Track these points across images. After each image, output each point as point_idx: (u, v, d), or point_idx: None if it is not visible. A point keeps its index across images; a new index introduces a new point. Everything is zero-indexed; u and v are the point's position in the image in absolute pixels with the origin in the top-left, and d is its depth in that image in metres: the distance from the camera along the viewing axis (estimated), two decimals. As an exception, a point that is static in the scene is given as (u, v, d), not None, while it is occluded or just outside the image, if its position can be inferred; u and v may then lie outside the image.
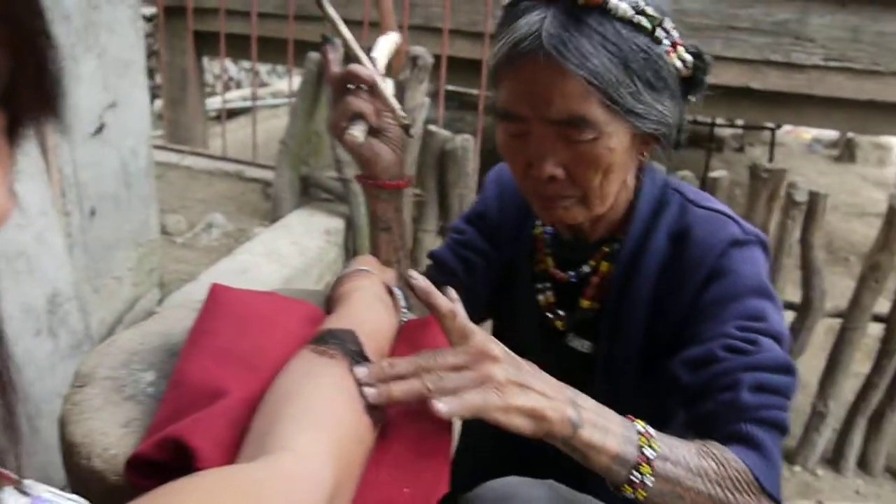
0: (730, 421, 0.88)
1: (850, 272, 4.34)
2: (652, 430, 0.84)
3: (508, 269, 1.21)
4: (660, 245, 1.03)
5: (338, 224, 2.92)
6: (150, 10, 6.20)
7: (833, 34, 3.43)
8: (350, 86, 0.98)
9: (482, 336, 0.79)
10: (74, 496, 0.51)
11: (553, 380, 0.82)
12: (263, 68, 8.31)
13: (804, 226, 2.51)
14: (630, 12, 0.86)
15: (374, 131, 1.00)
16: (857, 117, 3.67)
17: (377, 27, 3.15)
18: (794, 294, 2.67)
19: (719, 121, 5.83)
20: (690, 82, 0.96)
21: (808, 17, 3.43)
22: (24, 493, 0.71)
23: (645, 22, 0.87)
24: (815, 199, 2.46)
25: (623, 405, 1.09)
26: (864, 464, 2.76)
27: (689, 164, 5.78)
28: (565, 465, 1.15)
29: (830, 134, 7.28)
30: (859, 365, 2.80)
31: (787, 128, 7.02)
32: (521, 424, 0.77)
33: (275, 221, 2.95)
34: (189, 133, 4.31)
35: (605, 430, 0.81)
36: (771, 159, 5.84)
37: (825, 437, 2.74)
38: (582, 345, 1.13)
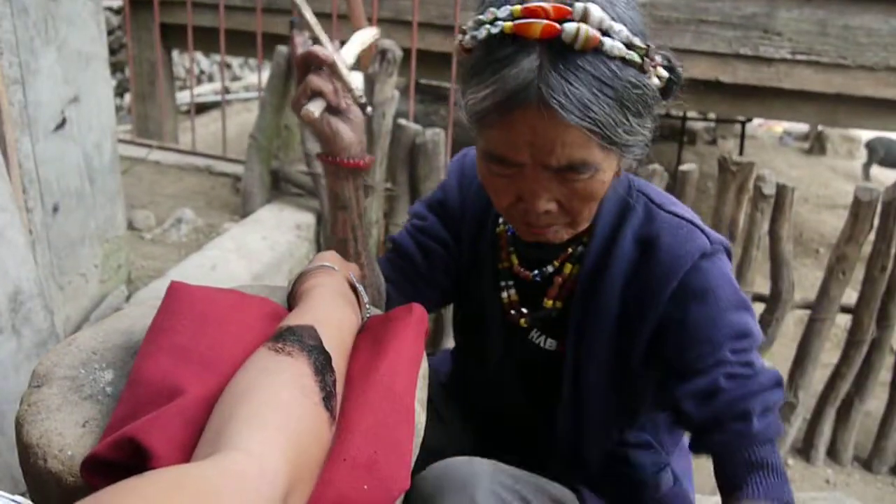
0: (743, 448, 0.96)
1: (820, 264, 4.40)
2: None
3: (470, 263, 1.21)
4: (626, 249, 1.03)
5: (308, 219, 2.90)
6: (116, 3, 6.13)
7: (800, 28, 3.46)
8: (312, 66, 1.00)
9: None
10: (19, 498, 0.50)
11: None
12: (235, 61, 8.23)
13: (772, 218, 2.53)
14: (623, 49, 0.83)
15: (335, 111, 1.03)
16: (825, 110, 3.70)
17: (347, 20, 3.13)
18: (763, 286, 2.69)
19: (691, 114, 5.87)
20: (663, 92, 0.94)
21: (776, 11, 3.46)
22: None
23: (635, 56, 0.84)
24: (783, 191, 2.48)
25: (591, 401, 1.10)
26: (833, 453, 2.80)
27: (661, 157, 5.82)
28: (532, 450, 1.18)
29: (801, 127, 7.37)
30: (828, 355, 2.83)
31: (758, 121, 7.10)
32: None
33: (245, 216, 2.92)
34: (158, 127, 4.25)
35: None
36: (741, 152, 5.90)
37: (795, 427, 2.77)
38: (547, 342, 1.13)
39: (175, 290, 0.92)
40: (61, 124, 1.85)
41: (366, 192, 2.71)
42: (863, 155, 7.16)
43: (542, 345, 1.14)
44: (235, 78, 8.19)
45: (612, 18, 0.83)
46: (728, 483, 0.97)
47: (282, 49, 2.98)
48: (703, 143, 6.90)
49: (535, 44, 0.82)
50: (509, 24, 0.83)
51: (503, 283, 1.15)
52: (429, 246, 1.21)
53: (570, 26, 0.81)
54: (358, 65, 1.11)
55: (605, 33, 0.82)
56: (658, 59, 0.88)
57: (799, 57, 3.49)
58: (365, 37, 1.16)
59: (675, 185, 2.52)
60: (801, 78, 3.53)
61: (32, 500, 0.90)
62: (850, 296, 2.63)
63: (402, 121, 2.75)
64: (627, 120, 0.86)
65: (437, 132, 2.67)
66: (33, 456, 0.83)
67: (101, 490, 0.54)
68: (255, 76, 8.27)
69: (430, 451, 0.96)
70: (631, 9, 0.88)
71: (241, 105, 7.18)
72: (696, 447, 1.02)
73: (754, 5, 3.47)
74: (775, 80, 3.55)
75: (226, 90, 4.09)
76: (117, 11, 6.16)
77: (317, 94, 1.00)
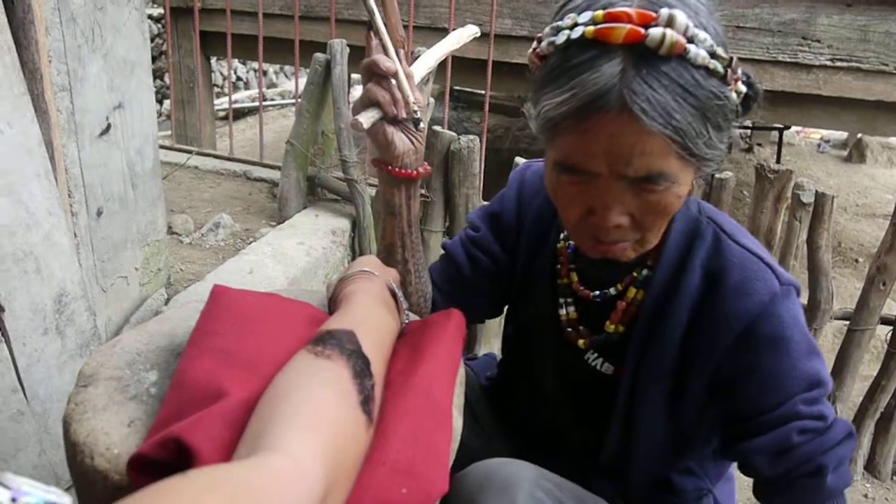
0: (813, 502, 0.98)
1: (859, 274, 4.33)
2: None
3: (525, 277, 1.20)
4: (694, 280, 1.01)
5: (344, 224, 2.92)
6: (157, 11, 6.25)
7: (840, 34, 3.41)
8: (374, 75, 1.01)
9: None
10: (54, 489, 0.52)
11: None
12: (271, 68, 8.33)
13: (811, 227, 2.50)
14: (707, 58, 0.81)
15: (393, 120, 1.03)
16: (865, 118, 3.65)
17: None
18: (801, 296, 2.65)
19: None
20: (741, 106, 0.92)
21: (815, 17, 3.42)
22: (3, 485, 0.72)
23: (719, 66, 0.82)
24: (821, 200, 2.45)
25: (643, 429, 1.09)
26: (871, 467, 2.75)
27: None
28: (574, 462, 1.17)
29: (839, 134, 7.25)
30: (867, 367, 2.78)
31: (795, 128, 7.00)
32: None
33: (281, 222, 2.96)
34: (196, 133, 4.32)
35: None
36: (779, 160, 5.82)
37: (832, 439, 2.73)
38: (604, 366, 1.12)
39: (218, 293, 0.94)
40: (106, 130, 1.89)
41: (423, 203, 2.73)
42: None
43: (598, 367, 1.12)
44: (271, 85, 8.29)
45: (697, 26, 0.81)
46: None
47: (319, 56, 3.02)
48: (738, 151, 6.83)
49: (617, 49, 0.80)
50: (591, 28, 0.81)
51: (562, 300, 1.14)
52: (478, 257, 1.21)
53: (655, 31, 0.79)
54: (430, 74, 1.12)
55: (690, 41, 0.80)
56: (739, 72, 0.87)
57: (839, 63, 3.44)
58: (451, 45, 1.17)
59: (712, 192, 2.50)
60: (840, 85, 3.48)
61: (78, 497, 0.92)
62: (891, 307, 2.58)
63: (437, 128, 2.77)
64: (708, 132, 0.83)
65: (473, 139, 2.68)
66: (80, 454, 0.86)
67: (143, 488, 0.56)
68: (289, 83, 8.37)
69: (466, 453, 0.95)
70: (713, 19, 0.86)
71: (277, 111, 7.27)
72: (763, 497, 1.03)
73: (793, 11, 3.44)
74: (814, 87, 3.51)
75: (262, 97, 4.14)
76: (157, 19, 6.28)
77: (374, 103, 1.01)
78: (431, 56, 1.16)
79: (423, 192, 2.81)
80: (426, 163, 1.11)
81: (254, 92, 7.63)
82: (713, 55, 0.82)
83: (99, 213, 1.92)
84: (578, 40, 0.82)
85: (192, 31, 4.19)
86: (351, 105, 1.06)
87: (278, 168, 3.32)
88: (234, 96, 6.93)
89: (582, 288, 1.11)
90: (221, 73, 7.67)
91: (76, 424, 0.89)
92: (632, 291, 1.06)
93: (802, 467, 0.97)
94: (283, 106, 7.41)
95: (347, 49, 3.01)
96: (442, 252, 1.27)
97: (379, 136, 1.04)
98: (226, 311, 0.91)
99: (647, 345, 1.05)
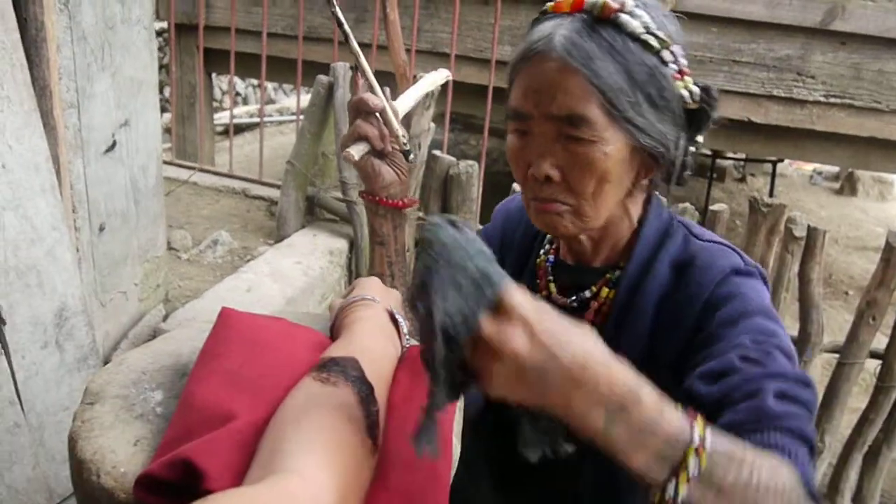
0: (757, 430, 0.82)
1: (849, 306, 4.36)
2: (709, 440, 0.73)
3: None
4: (662, 273, 1.04)
5: (342, 245, 2.94)
6: (159, 26, 6.29)
7: (835, 71, 3.48)
8: (363, 112, 1.08)
9: (528, 308, 0.71)
10: None
11: (604, 377, 0.72)
12: (270, 85, 8.38)
13: (803, 260, 2.53)
14: (640, 29, 0.91)
15: (380, 154, 1.11)
16: (858, 153, 3.70)
17: (386, 50, 3.20)
18: (792, 328, 2.68)
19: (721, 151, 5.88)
20: (696, 116, 0.98)
21: (810, 54, 3.48)
22: None
23: (653, 41, 0.92)
24: (814, 233, 2.49)
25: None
26: (859, 499, 2.77)
27: (689, 194, 5.82)
28: (560, 488, 1.17)
29: (832, 167, 7.33)
30: (856, 400, 2.81)
31: (787, 160, 7.07)
32: (520, 399, 0.71)
33: (279, 240, 2.98)
34: (196, 149, 4.35)
35: (653, 432, 0.72)
36: (772, 192, 5.88)
37: (821, 472, 2.75)
38: None
39: (226, 316, 0.96)
40: (111, 147, 1.92)
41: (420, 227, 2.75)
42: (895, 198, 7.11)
43: None
44: (269, 101, 8.33)
45: (638, 7, 0.92)
46: None
47: (322, 78, 3.05)
48: (731, 181, 6.90)
49: (565, 15, 0.94)
50: (550, 4, 0.97)
51: None
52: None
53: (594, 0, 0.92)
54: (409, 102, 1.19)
55: (628, 14, 0.91)
56: (682, 62, 0.95)
57: (833, 100, 3.50)
58: (426, 86, 1.26)
59: (705, 223, 2.53)
60: (834, 121, 3.54)
61: (82, 513, 0.93)
62: (880, 341, 2.61)
63: (437, 152, 2.80)
64: (636, 95, 0.92)
65: (472, 164, 2.71)
66: (87, 471, 0.87)
67: None
68: (287, 99, 8.41)
69: (452, 490, 0.96)
70: (668, 18, 0.97)
71: (275, 128, 7.30)
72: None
73: (788, 48, 3.50)
74: (808, 122, 3.57)
75: (260, 113, 4.18)
76: (160, 33, 6.32)
77: (362, 137, 1.08)
78: (410, 97, 1.24)
79: (420, 215, 2.83)
80: (411, 196, 1.18)
81: (252, 108, 7.66)
82: (649, 31, 0.92)
83: (101, 229, 1.94)
84: (539, 16, 0.99)
85: (195, 48, 4.23)
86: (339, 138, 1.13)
87: (277, 186, 3.34)
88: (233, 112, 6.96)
89: (560, 297, 1.13)
90: (221, 89, 7.71)
91: (83, 442, 0.90)
92: (604, 291, 1.09)
93: (741, 388, 0.85)
94: (281, 123, 7.45)
95: (350, 72, 3.05)
96: None
97: (367, 168, 1.11)
98: (234, 333, 0.93)
99: (616, 340, 1.04)
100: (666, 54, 0.93)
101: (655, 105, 0.93)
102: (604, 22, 0.92)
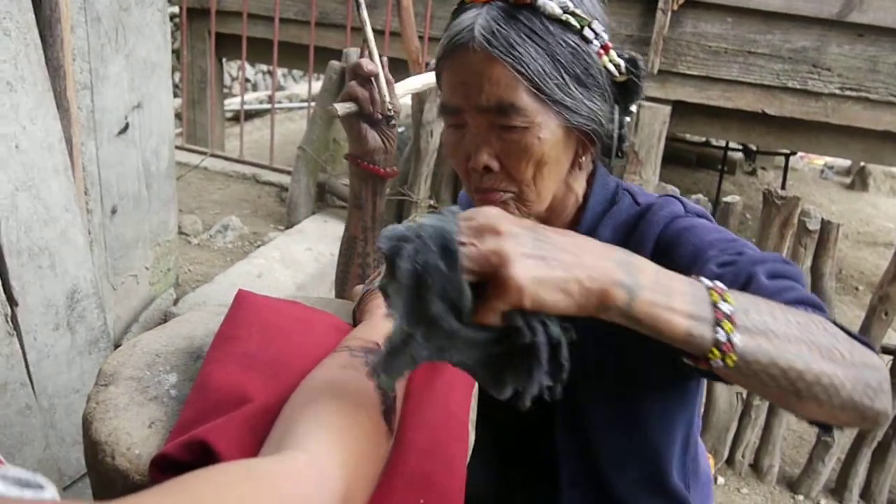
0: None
1: (859, 302, 4.34)
2: (721, 284, 0.73)
3: None
4: (604, 238, 1.02)
5: (352, 231, 2.94)
6: (171, 10, 6.27)
7: (851, 64, 3.44)
8: (358, 76, 1.13)
9: (483, 213, 0.70)
10: (41, 479, 0.53)
11: (597, 244, 0.72)
12: (280, 71, 8.36)
13: (816, 254, 2.51)
14: (558, 11, 0.90)
15: (369, 119, 1.15)
16: (872, 147, 3.67)
17: (399, 36, 3.18)
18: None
19: (732, 144, 5.84)
20: (626, 88, 0.97)
21: (826, 47, 3.45)
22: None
23: (573, 21, 0.90)
24: (827, 227, 2.47)
25: (587, 392, 1.06)
26: (867, 495, 2.76)
27: (700, 186, 5.79)
28: (540, 474, 1.16)
29: (843, 161, 7.29)
30: (866, 395, 2.79)
31: (799, 154, 7.04)
32: (556, 300, 0.67)
33: (290, 226, 2.97)
34: (207, 134, 4.34)
35: (669, 291, 0.71)
36: (784, 185, 5.84)
37: (829, 467, 2.74)
38: None
39: (242, 298, 0.96)
40: (124, 129, 1.91)
41: (403, 209, 2.75)
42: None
43: None
44: (279, 88, 8.32)
45: None
46: None
47: (334, 64, 3.04)
48: (742, 174, 6.86)
49: (482, 5, 0.93)
50: None
51: None
52: None
53: None
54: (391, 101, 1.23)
55: None
56: (604, 38, 0.93)
57: (848, 93, 3.47)
58: (415, 81, 1.30)
59: (717, 215, 2.52)
60: (849, 114, 3.51)
61: (95, 496, 0.93)
62: (891, 336, 2.60)
63: (449, 139, 2.79)
64: (561, 76, 0.91)
65: (483, 152, 2.70)
66: (101, 453, 0.86)
67: (181, 476, 0.58)
68: (297, 86, 8.40)
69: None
70: (595, 2, 0.95)
71: (284, 115, 7.29)
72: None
73: (804, 39, 3.47)
74: (822, 114, 3.54)
75: (271, 99, 4.17)
76: (171, 18, 6.30)
77: (352, 98, 1.12)
78: (417, 81, 1.27)
79: (431, 202, 2.82)
80: (395, 167, 1.21)
81: (262, 94, 7.65)
82: (567, 11, 0.90)
83: (113, 212, 1.93)
84: (458, 6, 0.97)
85: (207, 33, 4.22)
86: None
87: (288, 172, 3.34)
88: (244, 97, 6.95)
89: None
90: (230, 74, 7.70)
91: (97, 423, 0.90)
92: None
93: (735, 285, 0.81)
94: (290, 109, 7.44)
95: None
96: None
97: (354, 129, 1.16)
98: (251, 316, 0.92)
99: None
100: (587, 31, 0.92)
101: (583, 84, 0.93)
102: (521, 7, 0.91)
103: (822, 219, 2.49)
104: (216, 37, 4.18)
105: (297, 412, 0.72)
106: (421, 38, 3.31)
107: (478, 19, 0.91)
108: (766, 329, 0.71)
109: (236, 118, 3.98)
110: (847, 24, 3.40)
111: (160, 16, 1.99)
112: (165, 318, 2.10)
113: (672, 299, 0.70)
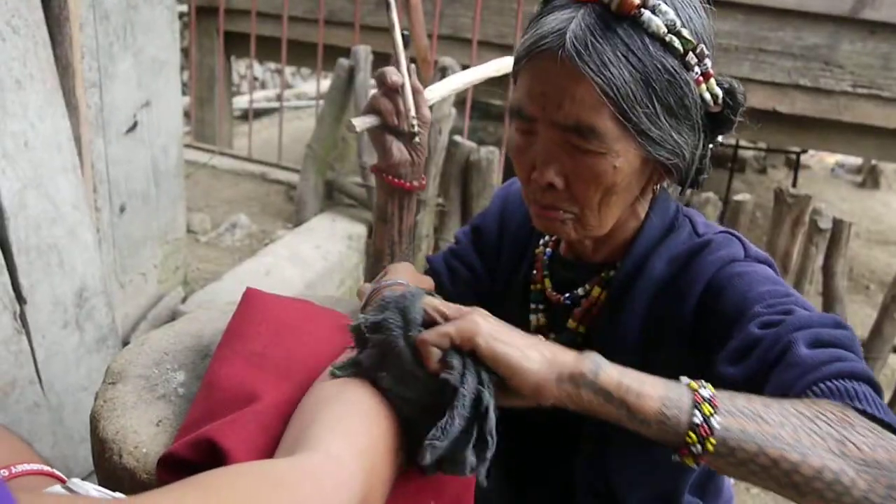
0: (803, 386, 0.73)
1: (870, 301, 4.31)
2: (707, 391, 0.71)
3: (506, 286, 1.18)
4: (658, 268, 0.98)
5: (360, 230, 2.93)
6: (180, 8, 6.28)
7: (863, 61, 3.41)
8: (382, 86, 1.07)
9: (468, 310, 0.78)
10: (118, 494, 0.53)
11: (555, 346, 0.76)
12: (288, 70, 8.36)
13: (827, 253, 2.50)
14: (663, 30, 0.81)
15: (395, 131, 1.09)
16: (885, 145, 3.64)
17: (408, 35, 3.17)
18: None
19: (743, 142, 5.81)
20: (718, 119, 0.90)
21: (838, 44, 3.42)
22: (70, 490, 0.73)
23: (677, 43, 0.82)
24: (839, 226, 2.45)
25: (617, 431, 1.05)
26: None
27: (710, 185, 5.76)
28: (555, 483, 1.14)
29: (854, 159, 7.23)
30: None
31: (810, 151, 6.99)
32: (507, 352, 0.72)
33: (298, 224, 2.97)
34: (215, 132, 4.34)
35: (640, 378, 0.72)
36: (795, 183, 5.81)
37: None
38: None
39: (250, 296, 0.95)
40: (133, 127, 1.91)
41: (417, 210, 2.74)
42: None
43: None
44: (287, 86, 8.32)
45: (665, 2, 0.82)
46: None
47: (343, 62, 3.03)
48: (752, 172, 6.82)
49: (580, 6, 0.84)
50: None
51: (533, 307, 1.11)
52: (455, 268, 1.21)
53: None
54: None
55: (650, 10, 0.81)
56: (708, 65, 0.85)
57: (860, 90, 3.44)
58: (489, 72, 1.27)
59: (728, 212, 2.50)
60: (861, 111, 3.48)
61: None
62: (905, 336, 2.58)
63: (458, 138, 2.78)
64: (653, 105, 0.83)
65: (492, 150, 2.69)
66: (109, 451, 0.86)
67: (199, 474, 0.58)
68: (306, 84, 8.40)
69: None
70: (696, 11, 0.86)
71: (293, 113, 7.29)
72: None
73: (816, 36, 3.44)
74: (834, 112, 3.51)
75: (279, 98, 4.17)
76: (179, 16, 6.31)
77: (375, 110, 1.07)
78: (461, 78, 1.20)
79: (439, 200, 2.81)
80: (423, 177, 1.15)
81: (270, 92, 7.65)
82: (672, 31, 0.82)
83: (122, 210, 1.93)
84: (548, 1, 0.88)
85: (216, 31, 4.22)
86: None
87: (296, 171, 3.33)
88: (253, 96, 6.95)
89: (554, 293, 1.09)
90: (238, 73, 7.70)
91: (105, 421, 0.89)
92: (596, 290, 1.03)
93: (768, 355, 0.78)
94: (298, 108, 7.43)
95: (371, 56, 3.03)
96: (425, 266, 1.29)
97: (378, 142, 1.10)
98: (258, 314, 0.92)
99: (607, 339, 1.00)
100: (690, 57, 0.83)
101: (674, 115, 0.85)
102: (623, 18, 0.81)
103: (834, 217, 2.48)
104: (225, 35, 4.18)
105: (314, 412, 0.71)
106: (429, 36, 3.30)
107: (570, 24, 0.82)
108: (754, 415, 0.68)
109: (245, 116, 3.99)
110: (859, 21, 3.37)
111: (169, 14, 1.99)
112: (173, 316, 2.10)
113: (643, 385, 0.72)
